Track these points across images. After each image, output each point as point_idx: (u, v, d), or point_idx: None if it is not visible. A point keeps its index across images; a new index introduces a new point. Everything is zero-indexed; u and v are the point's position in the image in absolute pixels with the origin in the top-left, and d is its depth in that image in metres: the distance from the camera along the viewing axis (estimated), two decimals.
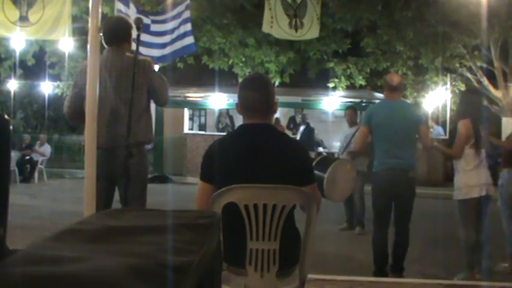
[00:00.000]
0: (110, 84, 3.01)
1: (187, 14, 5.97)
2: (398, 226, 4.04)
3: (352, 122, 6.52)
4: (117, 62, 3.05)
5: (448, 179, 12.20)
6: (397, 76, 4.35)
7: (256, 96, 2.21)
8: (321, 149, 12.38)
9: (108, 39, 3.10)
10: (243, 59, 12.33)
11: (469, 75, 12.51)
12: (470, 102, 4.43)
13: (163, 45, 5.81)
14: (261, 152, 2.16)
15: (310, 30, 6.61)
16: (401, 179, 3.89)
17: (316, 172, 4.65)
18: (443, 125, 13.42)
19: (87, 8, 3.04)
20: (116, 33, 3.12)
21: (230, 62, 12.35)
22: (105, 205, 2.96)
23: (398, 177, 3.88)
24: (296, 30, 6.56)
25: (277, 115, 13.89)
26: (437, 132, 12.48)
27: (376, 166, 4.03)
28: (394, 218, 4.05)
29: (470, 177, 4.02)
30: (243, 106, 2.25)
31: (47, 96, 14.17)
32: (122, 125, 2.84)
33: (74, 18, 7.81)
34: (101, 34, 2.91)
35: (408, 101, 5.03)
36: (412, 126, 3.95)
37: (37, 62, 12.35)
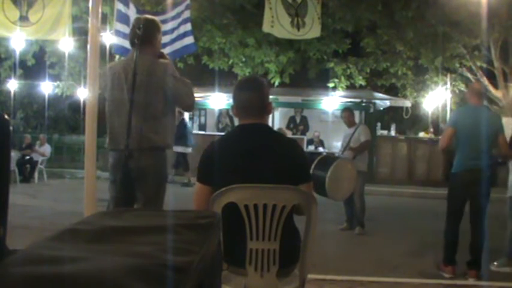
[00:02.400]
0: (126, 86, 2.93)
1: (187, 14, 5.97)
2: (475, 223, 4.24)
3: (350, 123, 6.49)
4: (137, 64, 2.95)
5: (448, 179, 12.19)
6: (481, 83, 4.80)
7: (250, 97, 2.24)
8: (321, 149, 12.39)
9: (130, 41, 3.03)
10: (243, 59, 12.33)
11: (469, 75, 12.51)
12: None
13: (163, 46, 5.81)
14: (257, 151, 2.17)
15: (312, 29, 6.61)
16: (479, 179, 4.14)
17: (317, 171, 4.68)
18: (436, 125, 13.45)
19: (87, 8, 3.04)
20: (138, 34, 3.01)
21: (230, 62, 12.35)
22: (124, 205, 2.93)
23: (477, 178, 4.14)
24: (298, 29, 6.56)
25: (277, 116, 13.94)
26: None
27: (456, 167, 4.32)
28: (471, 215, 4.27)
29: None
30: (237, 107, 2.27)
31: (47, 96, 14.15)
32: (136, 127, 2.81)
33: (74, 18, 7.80)
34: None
35: (489, 108, 5.50)
36: (493, 134, 4.25)
37: (37, 62, 12.34)
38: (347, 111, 6.63)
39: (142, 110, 2.85)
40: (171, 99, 3.00)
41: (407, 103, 13.05)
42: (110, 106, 2.97)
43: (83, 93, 11.28)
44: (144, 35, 2.94)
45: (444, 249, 4.32)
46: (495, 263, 4.46)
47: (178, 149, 10.65)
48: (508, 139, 4.41)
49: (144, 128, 2.82)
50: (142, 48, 2.94)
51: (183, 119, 11.03)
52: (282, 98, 12.30)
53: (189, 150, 10.88)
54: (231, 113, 13.52)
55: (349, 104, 12.08)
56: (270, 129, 2.31)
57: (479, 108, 4.36)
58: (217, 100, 12.97)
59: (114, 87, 2.94)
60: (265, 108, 2.26)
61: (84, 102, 9.08)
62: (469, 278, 4.13)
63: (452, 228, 4.30)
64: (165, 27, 5.93)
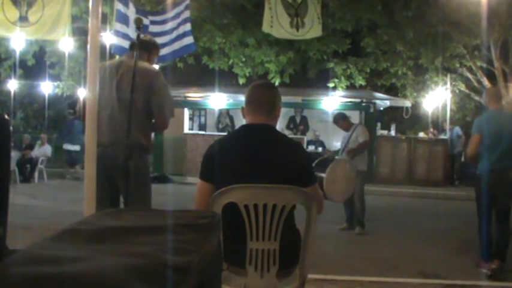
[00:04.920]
0: (113, 83, 3.08)
1: (186, 14, 5.97)
2: (501, 219, 4.50)
3: (346, 128, 6.45)
4: (127, 64, 3.09)
5: (448, 179, 12.22)
6: (497, 86, 5.04)
7: (262, 95, 2.29)
8: (321, 149, 12.39)
9: (131, 45, 3.25)
10: (243, 59, 12.32)
11: (469, 75, 12.52)
12: None
13: (162, 46, 5.81)
14: (261, 152, 2.17)
15: (312, 29, 6.60)
16: (505, 179, 4.43)
17: (316, 173, 4.68)
18: (441, 126, 13.45)
19: (87, 8, 3.04)
20: (142, 42, 3.15)
21: (230, 62, 12.34)
22: (110, 205, 2.97)
23: (503, 178, 4.42)
24: (297, 30, 6.56)
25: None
26: (456, 132, 12.49)
27: (481, 168, 4.52)
28: (496, 212, 4.51)
29: None
30: (248, 104, 2.29)
31: (47, 96, 14.15)
32: (118, 125, 2.92)
33: (74, 18, 7.81)
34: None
35: (508, 112, 5.90)
36: None
37: (37, 62, 12.33)
38: (339, 120, 6.46)
39: (127, 109, 2.89)
40: (154, 107, 3.08)
41: (407, 103, 13.06)
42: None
43: (83, 93, 11.27)
44: (149, 44, 3.22)
45: (481, 248, 4.51)
46: None
47: (68, 146, 12.36)
48: None
49: (134, 127, 2.86)
50: (139, 53, 3.04)
51: (73, 119, 12.24)
52: (282, 98, 12.12)
53: (77, 148, 12.15)
54: (231, 113, 13.57)
55: (345, 107, 12.10)
56: (274, 129, 2.31)
57: (500, 113, 4.70)
58: (217, 100, 12.97)
59: (103, 85, 3.01)
60: (274, 109, 2.28)
61: (84, 102, 9.06)
62: (492, 266, 4.31)
63: (486, 227, 4.51)
64: (164, 28, 5.95)
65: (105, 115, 2.99)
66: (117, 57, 6.99)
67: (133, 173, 2.83)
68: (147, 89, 3.03)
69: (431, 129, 13.28)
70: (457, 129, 12.63)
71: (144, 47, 3.20)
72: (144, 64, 3.13)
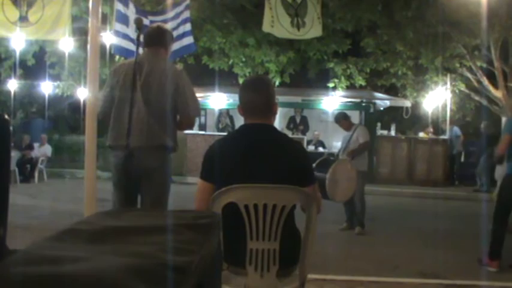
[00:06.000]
0: (138, 85, 2.95)
1: (186, 14, 5.97)
2: None
3: (347, 128, 6.44)
4: (150, 64, 3.03)
5: (448, 179, 12.22)
6: None
7: (256, 98, 2.24)
8: (321, 149, 12.39)
9: (145, 42, 3.14)
10: (243, 59, 12.32)
11: (469, 75, 12.51)
12: None
13: None
14: (261, 152, 2.17)
15: (312, 29, 6.61)
16: None
17: (317, 174, 4.68)
18: (439, 126, 13.46)
19: (87, 8, 3.04)
20: (154, 37, 3.12)
21: (230, 62, 12.34)
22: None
23: None
24: (298, 29, 6.56)
25: (277, 116, 13.89)
26: (455, 132, 12.49)
27: (510, 169, 4.62)
28: None
29: None
30: (243, 107, 2.27)
31: (47, 96, 14.15)
32: (147, 125, 2.87)
33: (74, 18, 7.79)
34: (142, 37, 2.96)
35: None
36: None
37: (37, 62, 12.33)
38: (341, 120, 6.45)
39: (155, 110, 2.88)
40: (180, 107, 3.03)
41: (407, 103, 13.06)
42: (117, 104, 2.98)
43: (83, 93, 11.28)
44: (162, 38, 3.11)
45: (491, 245, 4.55)
46: None
47: None
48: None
49: (155, 127, 2.85)
50: (157, 50, 3.05)
51: (34, 118, 12.64)
52: (282, 98, 12.28)
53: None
54: (231, 113, 13.58)
55: (345, 107, 12.11)
56: (275, 129, 2.30)
57: None
58: (217, 100, 12.96)
59: (124, 85, 2.95)
60: (270, 109, 2.26)
61: (84, 102, 9.09)
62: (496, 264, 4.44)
63: (501, 225, 4.59)
64: None
65: (130, 117, 2.86)
66: (117, 58, 6.97)
67: (157, 175, 2.82)
68: (173, 89, 2.98)
69: (431, 129, 13.29)
70: (456, 129, 12.63)
71: (161, 41, 3.11)
72: (167, 64, 3.08)
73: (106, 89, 3.04)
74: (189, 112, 3.08)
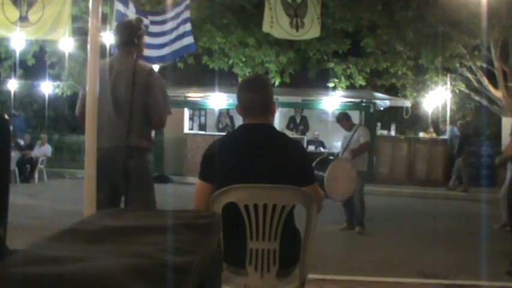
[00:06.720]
0: (109, 85, 2.99)
1: (186, 14, 5.97)
2: None
3: (348, 127, 6.44)
4: (121, 64, 3.04)
5: (448, 179, 12.21)
6: None
7: (254, 97, 2.23)
8: (321, 149, 12.39)
9: (117, 43, 3.14)
10: (243, 59, 12.32)
11: (469, 75, 12.51)
12: None
13: (161, 46, 5.81)
14: (260, 151, 2.17)
15: (311, 29, 6.61)
16: None
17: (316, 172, 4.68)
18: (439, 125, 13.45)
19: (87, 8, 3.04)
20: (124, 36, 3.10)
21: (230, 62, 12.34)
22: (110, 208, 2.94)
23: None
24: (297, 30, 6.57)
25: (277, 116, 13.92)
26: (454, 132, 12.50)
27: None
28: None
29: None
30: (242, 107, 2.27)
31: (47, 96, 14.16)
32: (116, 128, 2.88)
33: (74, 18, 7.80)
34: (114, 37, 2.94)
35: None
36: None
37: (37, 62, 12.33)
38: (343, 120, 6.44)
39: (125, 110, 2.87)
40: (150, 105, 3.02)
41: (407, 103, 13.06)
42: None
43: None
44: (130, 38, 3.02)
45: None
46: None
47: None
48: (509, 139, 4.53)
49: (124, 127, 2.83)
50: (128, 49, 3.05)
51: (15, 117, 12.65)
52: (282, 98, 12.30)
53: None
54: (231, 113, 13.58)
55: (345, 107, 12.11)
56: (274, 129, 2.30)
57: None
58: (217, 100, 12.97)
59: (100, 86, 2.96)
60: (269, 108, 2.25)
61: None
62: None
63: None
64: (164, 28, 5.94)
65: (102, 118, 2.88)
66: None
67: (134, 175, 2.82)
68: (143, 88, 2.98)
69: (431, 129, 13.28)
70: (456, 129, 12.64)
71: (131, 41, 3.02)
72: (138, 63, 3.02)
73: (83, 90, 3.07)
74: (159, 112, 3.08)
